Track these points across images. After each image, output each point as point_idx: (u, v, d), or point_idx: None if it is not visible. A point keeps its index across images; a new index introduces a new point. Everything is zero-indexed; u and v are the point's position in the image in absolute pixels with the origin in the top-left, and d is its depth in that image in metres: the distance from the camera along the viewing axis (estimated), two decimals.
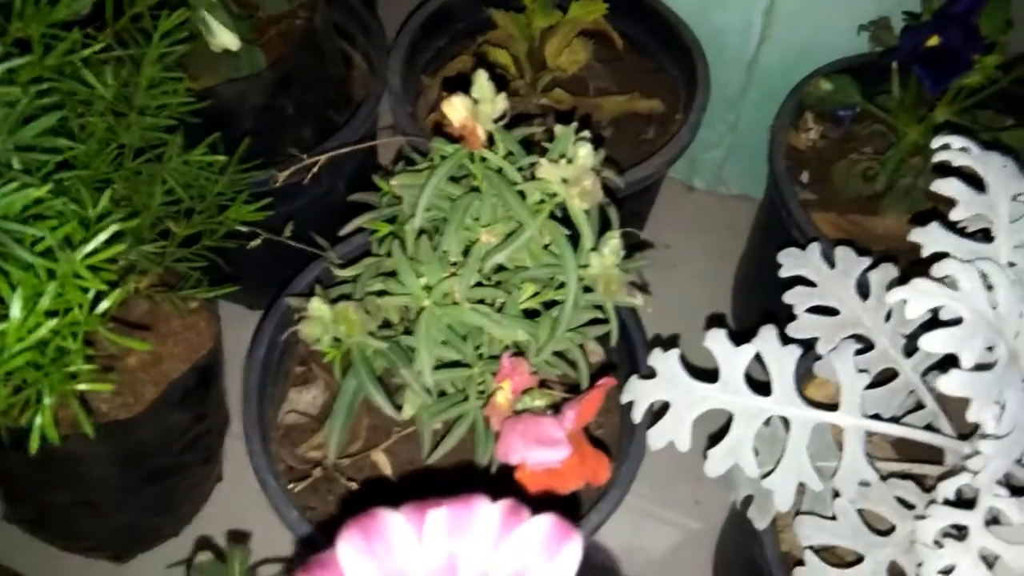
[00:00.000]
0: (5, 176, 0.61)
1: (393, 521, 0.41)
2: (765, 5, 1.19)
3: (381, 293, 0.76)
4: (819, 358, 0.82)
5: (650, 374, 0.74)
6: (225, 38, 0.95)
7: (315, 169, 0.88)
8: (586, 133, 0.74)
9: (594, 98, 1.19)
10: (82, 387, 0.58)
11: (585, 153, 0.70)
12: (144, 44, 0.77)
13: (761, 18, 1.21)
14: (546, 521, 0.42)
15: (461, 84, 0.73)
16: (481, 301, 0.76)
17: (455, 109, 0.70)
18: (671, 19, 1.23)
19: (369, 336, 0.75)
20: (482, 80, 0.70)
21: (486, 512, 0.42)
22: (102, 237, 0.57)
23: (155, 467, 1.01)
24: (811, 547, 0.74)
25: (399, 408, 0.77)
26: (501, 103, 0.71)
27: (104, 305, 0.57)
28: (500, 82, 1.09)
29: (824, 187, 1.13)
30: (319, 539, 0.78)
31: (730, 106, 1.33)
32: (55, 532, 1.09)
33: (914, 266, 0.69)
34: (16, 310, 0.54)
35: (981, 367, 0.63)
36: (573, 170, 0.71)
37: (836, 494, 0.74)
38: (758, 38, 1.23)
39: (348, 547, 0.40)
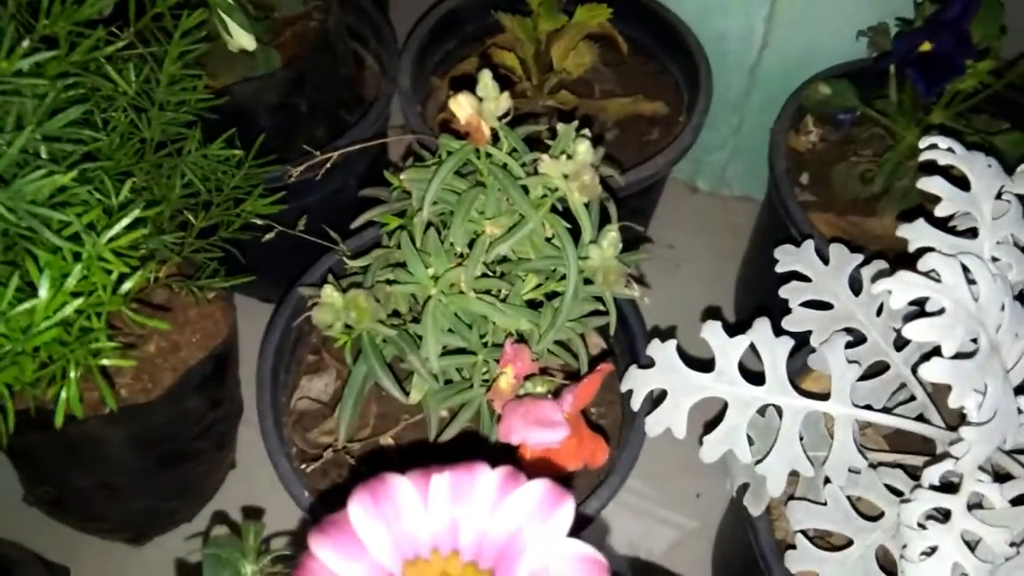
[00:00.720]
0: (33, 164, 0.64)
1: (401, 485, 0.43)
2: (766, 11, 1.20)
3: (391, 283, 0.78)
4: (813, 351, 0.83)
5: (649, 364, 0.75)
6: (242, 38, 0.97)
7: (328, 165, 0.89)
8: (586, 131, 0.75)
9: (599, 100, 1.20)
10: (105, 362, 0.60)
11: (584, 149, 0.71)
12: (164, 43, 0.79)
13: (763, 24, 1.22)
14: (540, 485, 0.43)
15: (469, 86, 0.74)
16: (487, 291, 0.77)
17: (461, 106, 0.71)
18: (675, 24, 1.24)
19: (379, 323, 0.76)
20: (487, 79, 0.71)
21: (486, 478, 0.43)
22: (124, 223, 0.60)
23: (172, 451, 1.03)
24: (803, 532, 0.75)
25: (407, 393, 0.79)
26: (505, 101, 0.72)
27: (127, 286, 0.60)
28: (508, 84, 1.11)
29: (823, 189, 1.14)
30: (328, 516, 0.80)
31: (733, 109, 1.34)
32: (73, 514, 1.11)
33: (900, 260, 0.71)
34: (44, 290, 0.56)
35: (962, 356, 0.64)
36: (573, 165, 0.72)
37: (827, 481, 0.75)
38: (760, 43, 1.24)
39: (359, 508, 0.42)
